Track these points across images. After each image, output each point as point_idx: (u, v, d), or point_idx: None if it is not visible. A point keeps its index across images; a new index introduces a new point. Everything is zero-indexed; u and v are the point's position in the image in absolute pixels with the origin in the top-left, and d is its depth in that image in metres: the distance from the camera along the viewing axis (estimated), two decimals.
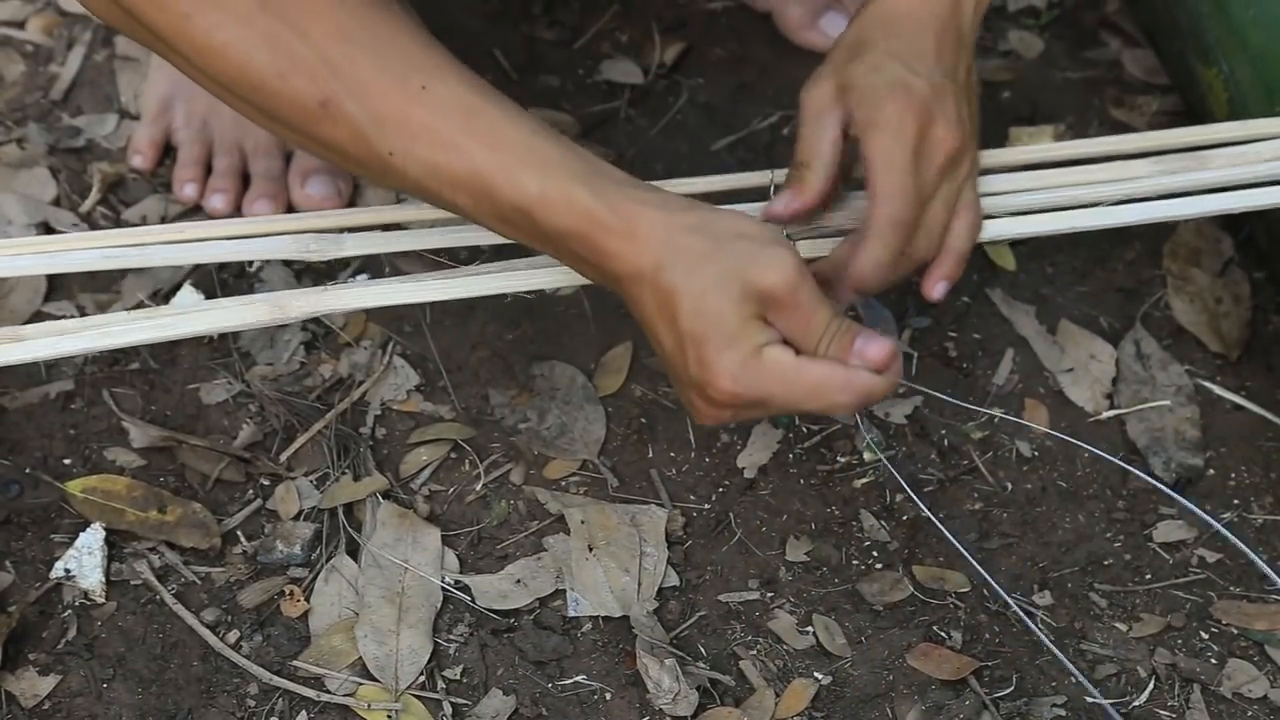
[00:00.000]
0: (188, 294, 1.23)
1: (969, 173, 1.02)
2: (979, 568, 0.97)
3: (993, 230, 1.06)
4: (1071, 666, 1.02)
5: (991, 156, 1.10)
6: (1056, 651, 0.99)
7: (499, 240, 1.01)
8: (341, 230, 1.07)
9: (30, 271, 1.05)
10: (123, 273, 1.26)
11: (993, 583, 1.00)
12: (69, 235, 1.06)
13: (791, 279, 0.90)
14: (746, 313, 0.90)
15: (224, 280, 1.25)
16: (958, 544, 0.97)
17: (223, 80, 0.92)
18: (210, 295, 1.24)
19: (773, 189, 1.04)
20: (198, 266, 1.27)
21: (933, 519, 0.98)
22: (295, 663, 1.05)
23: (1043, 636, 0.91)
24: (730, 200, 1.06)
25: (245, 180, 1.31)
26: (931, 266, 1.03)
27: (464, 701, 1.04)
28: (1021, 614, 0.91)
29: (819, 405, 0.92)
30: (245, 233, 1.06)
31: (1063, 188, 1.08)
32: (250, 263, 1.27)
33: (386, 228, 1.09)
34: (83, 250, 1.04)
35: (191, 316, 1.02)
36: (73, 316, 1.22)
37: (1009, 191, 1.08)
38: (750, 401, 0.92)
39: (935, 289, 1.03)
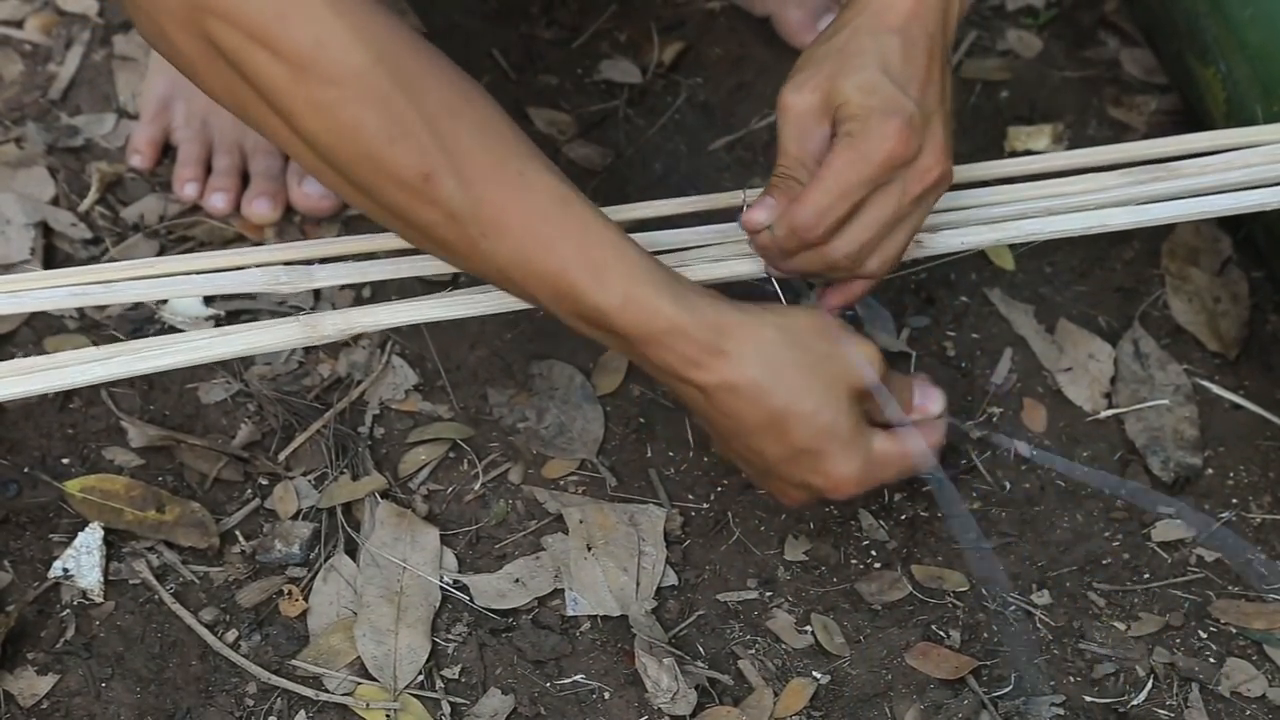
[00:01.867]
0: None
1: (938, 198, 1.01)
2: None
3: (974, 239, 1.07)
4: None
5: (972, 170, 1.11)
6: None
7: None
8: (312, 261, 1.06)
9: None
10: None
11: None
12: (38, 274, 1.04)
13: (880, 363, 0.96)
14: (855, 417, 0.95)
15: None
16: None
17: (324, 142, 0.88)
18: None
19: (745, 207, 1.03)
20: None
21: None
22: (294, 662, 1.05)
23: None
24: (702, 220, 1.07)
25: (245, 179, 1.31)
26: (845, 285, 1.03)
27: (462, 701, 1.04)
28: None
29: (907, 474, 1.00)
30: (214, 266, 1.05)
31: (1038, 199, 1.09)
32: None
33: (357, 257, 1.08)
34: (50, 289, 1.03)
35: (226, 339, 1.02)
36: (71, 316, 1.22)
37: (986, 204, 1.09)
38: (861, 492, 0.97)
39: (834, 306, 1.04)
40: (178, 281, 1.04)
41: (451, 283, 1.16)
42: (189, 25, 0.86)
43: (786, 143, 0.99)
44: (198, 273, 1.04)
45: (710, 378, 0.92)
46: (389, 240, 1.06)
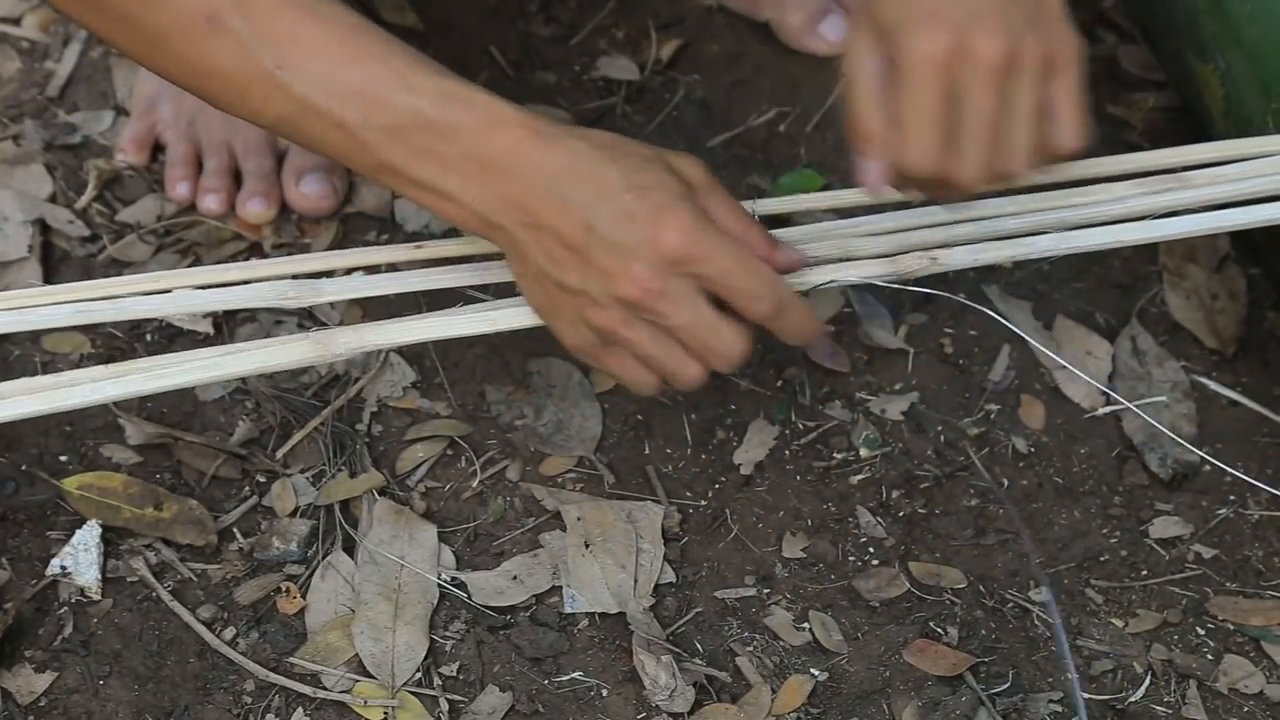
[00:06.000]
0: None
1: (1031, 79, 0.93)
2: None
3: (986, 255, 1.07)
4: None
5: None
6: None
7: (478, 281, 1.04)
8: (319, 274, 1.06)
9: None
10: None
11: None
12: (41, 289, 1.03)
13: (707, 171, 0.96)
14: (681, 185, 0.93)
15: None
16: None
17: None
18: None
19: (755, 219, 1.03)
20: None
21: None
22: (291, 660, 1.05)
23: None
24: None
25: (238, 178, 1.31)
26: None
27: (460, 698, 1.04)
28: None
29: (747, 284, 0.93)
30: (221, 280, 1.04)
31: (1049, 210, 1.09)
32: (243, 251, 1.27)
33: (367, 270, 1.08)
34: (53, 306, 1.02)
35: (238, 357, 1.01)
36: None
37: (998, 216, 1.08)
38: (694, 257, 0.91)
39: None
40: (183, 297, 1.04)
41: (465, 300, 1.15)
42: None
43: (860, 103, 0.95)
44: (204, 287, 1.04)
45: (530, 160, 0.91)
46: (398, 252, 1.06)
